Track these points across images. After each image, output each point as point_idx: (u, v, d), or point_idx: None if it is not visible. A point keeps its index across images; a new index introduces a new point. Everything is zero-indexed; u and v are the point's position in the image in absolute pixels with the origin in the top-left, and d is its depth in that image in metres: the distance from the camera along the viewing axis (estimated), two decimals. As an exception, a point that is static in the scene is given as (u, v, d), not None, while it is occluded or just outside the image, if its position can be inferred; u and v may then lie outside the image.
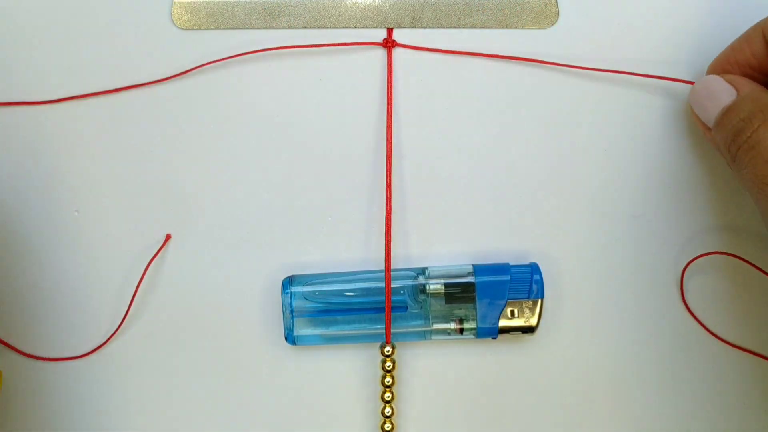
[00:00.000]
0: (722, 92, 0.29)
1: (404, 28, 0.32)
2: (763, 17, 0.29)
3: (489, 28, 0.32)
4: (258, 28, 0.32)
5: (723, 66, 0.30)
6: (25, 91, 0.32)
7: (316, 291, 0.31)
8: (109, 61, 0.32)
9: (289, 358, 0.32)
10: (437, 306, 0.31)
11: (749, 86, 0.28)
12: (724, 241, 0.33)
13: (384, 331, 0.31)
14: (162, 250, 0.32)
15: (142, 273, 0.32)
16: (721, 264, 0.33)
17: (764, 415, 0.33)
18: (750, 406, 0.33)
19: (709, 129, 0.29)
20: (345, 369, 0.32)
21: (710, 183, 0.33)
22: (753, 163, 0.27)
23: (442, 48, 0.32)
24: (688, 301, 0.33)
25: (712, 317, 0.33)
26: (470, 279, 0.31)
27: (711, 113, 0.29)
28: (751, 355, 0.33)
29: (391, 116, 0.32)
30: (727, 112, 0.28)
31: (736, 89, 0.28)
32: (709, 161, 0.32)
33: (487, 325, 0.30)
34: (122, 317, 0.32)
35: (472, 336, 0.31)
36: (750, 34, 0.29)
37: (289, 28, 0.32)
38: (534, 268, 0.31)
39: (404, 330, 0.31)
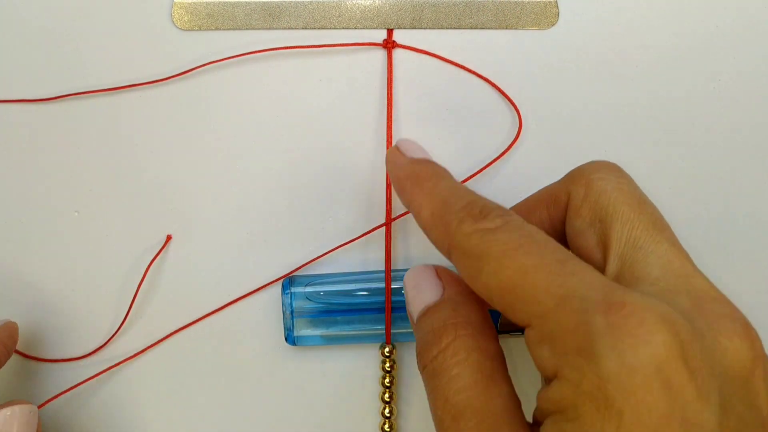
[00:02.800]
0: (428, 288, 0.24)
1: (404, 28, 0.32)
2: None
3: (489, 28, 0.32)
4: (258, 29, 0.32)
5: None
6: (25, 90, 0.32)
7: (316, 291, 0.31)
8: (109, 61, 0.32)
9: (289, 358, 0.32)
10: (437, 306, 0.31)
11: (456, 287, 0.24)
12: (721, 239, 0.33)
13: (384, 331, 0.31)
14: (162, 251, 0.32)
15: (143, 273, 0.32)
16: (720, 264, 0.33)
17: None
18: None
19: None
20: (345, 369, 0.32)
21: (711, 183, 0.33)
22: (433, 396, 0.21)
23: (443, 51, 0.32)
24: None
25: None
26: (470, 279, 0.31)
27: (414, 307, 0.24)
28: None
29: (391, 116, 0.32)
30: (425, 314, 0.23)
31: (444, 286, 0.24)
32: (710, 161, 0.32)
33: (487, 326, 0.31)
34: (123, 318, 0.32)
35: (472, 336, 0.31)
36: (534, 203, 0.25)
37: (289, 28, 0.32)
38: (534, 269, 0.31)
39: (404, 330, 0.31)
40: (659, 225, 0.22)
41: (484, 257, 0.20)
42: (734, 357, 0.19)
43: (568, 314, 0.18)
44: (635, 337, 0.17)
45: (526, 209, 0.25)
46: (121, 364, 0.32)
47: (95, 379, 0.32)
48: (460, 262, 0.21)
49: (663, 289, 0.21)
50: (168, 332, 0.32)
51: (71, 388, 0.32)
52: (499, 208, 0.22)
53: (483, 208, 0.22)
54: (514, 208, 0.26)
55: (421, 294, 0.24)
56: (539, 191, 0.26)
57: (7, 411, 0.28)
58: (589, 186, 0.23)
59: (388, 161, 0.26)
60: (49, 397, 0.32)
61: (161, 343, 0.32)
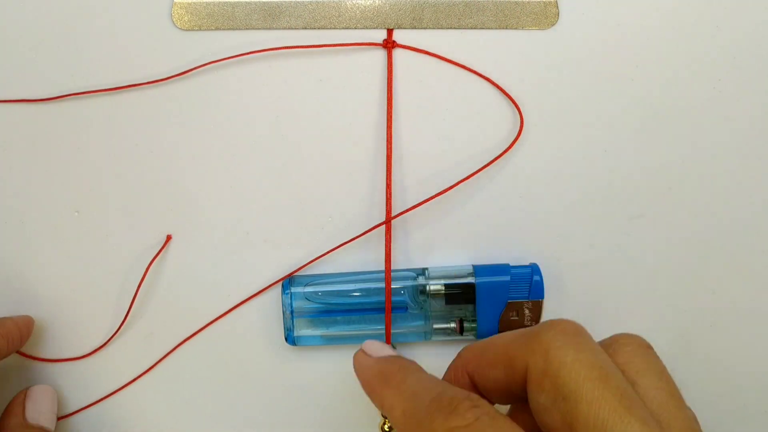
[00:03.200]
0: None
1: (404, 28, 0.32)
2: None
3: (489, 28, 0.32)
4: (258, 29, 0.32)
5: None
6: (25, 90, 0.32)
7: (316, 291, 0.31)
8: (109, 61, 0.32)
9: (289, 358, 0.32)
10: (437, 306, 0.31)
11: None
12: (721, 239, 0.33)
13: (384, 331, 0.31)
14: (162, 251, 0.32)
15: (142, 274, 0.32)
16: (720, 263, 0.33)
17: (764, 416, 0.33)
18: (750, 405, 0.33)
19: None
20: (345, 369, 0.32)
21: (709, 183, 0.33)
22: None
23: (443, 51, 0.32)
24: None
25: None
26: (470, 279, 0.31)
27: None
28: (751, 353, 0.33)
29: (391, 116, 0.32)
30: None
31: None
32: (710, 161, 0.32)
33: (487, 326, 0.31)
34: (123, 318, 0.32)
35: (472, 336, 0.31)
36: (491, 361, 0.24)
37: (289, 28, 0.32)
38: (534, 269, 0.31)
39: (404, 330, 0.31)
40: (626, 401, 0.21)
41: None
42: None
43: None
44: None
45: (485, 365, 0.24)
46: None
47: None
48: None
49: None
50: (168, 332, 0.32)
51: (93, 404, 0.32)
52: (468, 398, 0.21)
53: (452, 400, 0.21)
54: (471, 353, 0.25)
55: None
56: (497, 343, 0.24)
57: (39, 387, 0.31)
58: (548, 359, 0.22)
59: (356, 366, 0.27)
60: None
61: (161, 343, 0.32)
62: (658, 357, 0.24)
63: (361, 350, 0.27)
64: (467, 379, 0.25)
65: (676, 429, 0.22)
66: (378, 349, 0.27)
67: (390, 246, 0.31)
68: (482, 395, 0.24)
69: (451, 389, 0.22)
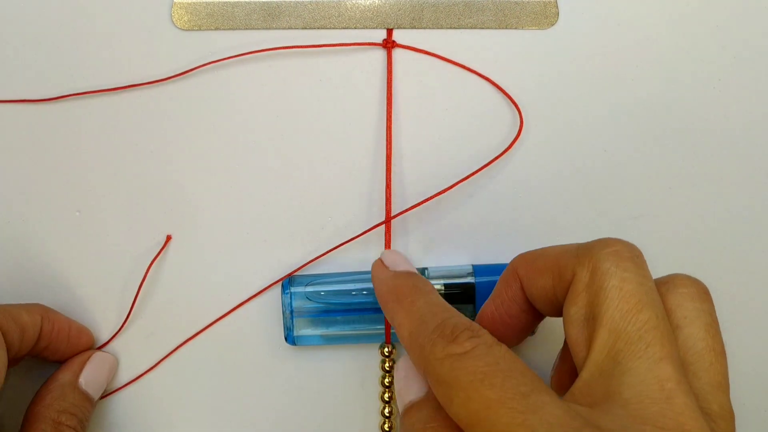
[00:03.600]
0: (415, 382, 0.25)
1: (404, 28, 0.32)
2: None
3: (489, 28, 0.32)
4: (258, 29, 0.32)
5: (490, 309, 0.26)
6: (25, 90, 0.32)
7: (317, 291, 0.31)
8: (109, 61, 0.32)
9: (289, 358, 0.32)
10: (437, 306, 0.31)
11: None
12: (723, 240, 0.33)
13: (384, 331, 0.31)
14: (163, 251, 0.32)
15: (143, 274, 0.32)
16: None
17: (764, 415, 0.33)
18: (751, 405, 0.33)
19: None
20: (345, 369, 0.32)
21: (711, 183, 0.33)
22: None
23: (443, 51, 0.32)
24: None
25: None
26: (470, 279, 0.31)
27: (400, 401, 0.25)
28: (751, 352, 0.33)
29: (390, 116, 0.32)
30: (408, 411, 0.24)
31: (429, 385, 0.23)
32: (710, 161, 0.32)
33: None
34: (124, 318, 0.32)
35: (471, 336, 0.31)
36: (542, 268, 0.25)
37: (289, 28, 0.32)
38: (534, 269, 0.31)
39: (404, 330, 0.31)
40: (648, 337, 0.21)
41: (454, 386, 0.21)
42: None
43: None
44: None
45: (535, 271, 0.25)
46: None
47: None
48: (434, 387, 0.22)
49: (630, 415, 0.20)
50: (168, 332, 0.32)
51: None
52: (469, 328, 0.22)
53: (454, 329, 0.22)
54: (523, 260, 0.25)
55: (408, 387, 0.25)
56: (549, 252, 0.25)
57: (104, 355, 0.31)
58: (594, 275, 0.22)
59: (373, 275, 0.28)
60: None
61: (162, 343, 0.32)
62: (712, 308, 0.23)
63: (380, 260, 0.28)
64: (518, 284, 0.25)
65: (705, 381, 0.22)
66: (395, 261, 0.27)
67: (390, 246, 0.31)
68: (530, 302, 0.25)
69: (455, 317, 0.23)
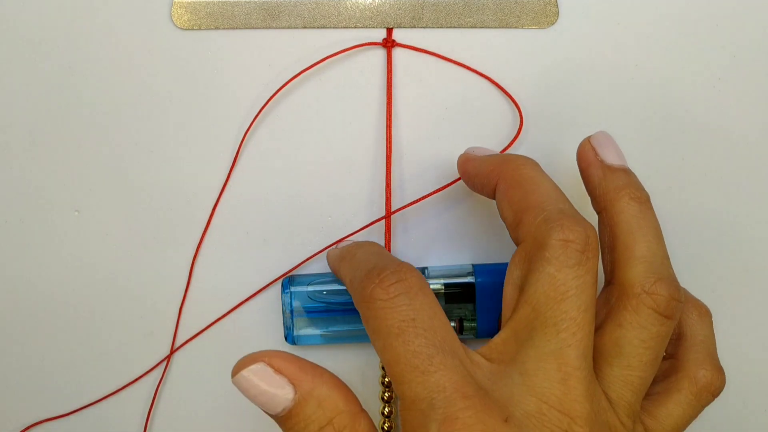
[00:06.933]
0: (277, 389, 0.22)
1: (404, 27, 0.32)
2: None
3: (489, 27, 0.32)
4: (258, 28, 0.32)
5: None
6: (25, 91, 0.32)
7: (316, 291, 0.31)
8: (108, 60, 0.32)
9: (289, 357, 0.32)
10: (437, 306, 0.31)
11: (308, 377, 0.23)
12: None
13: (384, 330, 0.31)
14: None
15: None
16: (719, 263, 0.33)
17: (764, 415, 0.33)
18: (750, 404, 0.33)
19: None
20: (345, 369, 0.32)
21: (710, 183, 0.33)
22: None
23: (443, 50, 0.32)
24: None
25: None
26: (470, 279, 0.31)
27: (271, 411, 0.23)
28: (751, 352, 0.33)
29: (390, 115, 0.32)
30: (288, 419, 0.22)
31: (294, 384, 0.22)
32: (710, 160, 0.32)
33: (487, 325, 0.30)
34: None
35: (471, 336, 0.31)
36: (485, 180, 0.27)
37: (288, 28, 0.32)
38: (534, 268, 0.31)
39: (404, 330, 0.31)
40: (562, 325, 0.22)
41: (375, 333, 0.22)
42: None
43: (414, 413, 0.21)
44: None
45: (503, 203, 0.26)
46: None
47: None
48: (366, 330, 0.23)
49: (525, 384, 0.22)
50: (168, 332, 0.32)
51: (93, 403, 0.32)
52: (396, 272, 0.23)
53: (380, 273, 0.23)
54: (500, 190, 0.27)
55: (273, 399, 0.22)
56: (525, 197, 0.25)
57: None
58: (538, 252, 0.23)
59: (327, 260, 0.30)
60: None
61: (162, 343, 0.32)
62: (665, 330, 0.24)
63: (333, 247, 0.30)
64: (492, 192, 0.27)
65: (616, 373, 0.24)
66: (343, 244, 0.30)
67: (390, 245, 0.31)
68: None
69: (385, 261, 0.24)
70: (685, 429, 0.26)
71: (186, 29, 0.32)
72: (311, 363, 0.23)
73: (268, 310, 0.32)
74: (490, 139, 0.32)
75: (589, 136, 0.28)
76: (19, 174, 0.32)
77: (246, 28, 0.32)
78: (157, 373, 0.32)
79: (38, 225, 0.32)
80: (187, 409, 0.33)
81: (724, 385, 0.26)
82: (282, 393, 0.22)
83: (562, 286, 0.23)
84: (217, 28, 0.32)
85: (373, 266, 0.23)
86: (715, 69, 0.32)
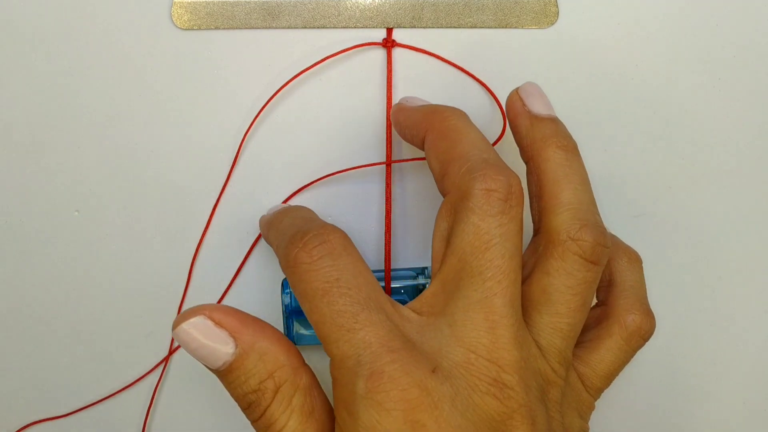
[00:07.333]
0: (218, 342, 0.22)
1: (404, 27, 0.32)
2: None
3: (489, 27, 0.32)
4: (258, 28, 0.32)
5: None
6: (25, 90, 0.32)
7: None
8: (108, 60, 0.32)
9: (288, 358, 0.32)
10: (437, 306, 0.31)
11: (249, 330, 0.23)
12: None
13: (384, 330, 0.31)
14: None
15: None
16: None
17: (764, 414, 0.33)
18: (750, 404, 0.33)
19: None
20: (345, 369, 0.32)
21: (709, 183, 0.33)
22: None
23: (443, 50, 0.32)
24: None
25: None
26: (470, 279, 0.31)
27: (211, 365, 0.23)
28: (754, 352, 0.33)
29: (390, 115, 0.32)
30: (229, 372, 0.23)
31: (234, 338, 0.22)
32: (710, 160, 0.32)
33: (487, 325, 0.30)
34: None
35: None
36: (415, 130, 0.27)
37: (288, 28, 0.32)
38: (534, 268, 0.31)
39: (404, 330, 0.31)
40: (487, 274, 0.23)
41: (302, 296, 0.22)
42: (485, 412, 0.21)
43: (343, 372, 0.22)
44: (382, 406, 0.21)
45: (430, 155, 0.26)
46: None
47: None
48: (294, 293, 0.23)
49: (453, 335, 0.22)
50: (168, 332, 0.32)
51: (93, 403, 0.32)
52: (319, 234, 0.23)
53: (304, 236, 0.23)
54: (428, 143, 0.27)
55: (213, 353, 0.23)
56: (451, 149, 0.26)
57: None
58: (462, 202, 0.23)
59: (260, 227, 0.30)
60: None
61: (162, 343, 0.32)
62: (592, 276, 0.24)
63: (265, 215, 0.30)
64: (421, 143, 0.27)
65: (546, 321, 0.24)
66: (272, 209, 0.30)
67: (390, 245, 0.31)
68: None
69: (309, 225, 0.24)
70: (617, 373, 0.26)
71: (186, 29, 0.32)
72: (253, 317, 0.23)
73: (268, 310, 0.32)
74: (490, 139, 0.32)
75: (517, 87, 0.28)
76: (19, 174, 0.32)
77: (246, 28, 0.32)
78: (155, 374, 0.32)
79: (38, 225, 0.32)
80: (185, 410, 0.33)
81: (653, 328, 0.26)
82: (222, 347, 0.22)
83: (486, 235, 0.23)
84: (217, 28, 0.32)
85: (297, 230, 0.23)
86: (715, 69, 0.32)
